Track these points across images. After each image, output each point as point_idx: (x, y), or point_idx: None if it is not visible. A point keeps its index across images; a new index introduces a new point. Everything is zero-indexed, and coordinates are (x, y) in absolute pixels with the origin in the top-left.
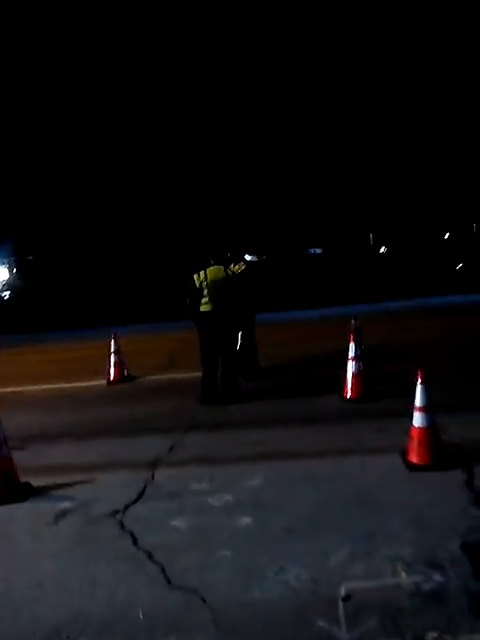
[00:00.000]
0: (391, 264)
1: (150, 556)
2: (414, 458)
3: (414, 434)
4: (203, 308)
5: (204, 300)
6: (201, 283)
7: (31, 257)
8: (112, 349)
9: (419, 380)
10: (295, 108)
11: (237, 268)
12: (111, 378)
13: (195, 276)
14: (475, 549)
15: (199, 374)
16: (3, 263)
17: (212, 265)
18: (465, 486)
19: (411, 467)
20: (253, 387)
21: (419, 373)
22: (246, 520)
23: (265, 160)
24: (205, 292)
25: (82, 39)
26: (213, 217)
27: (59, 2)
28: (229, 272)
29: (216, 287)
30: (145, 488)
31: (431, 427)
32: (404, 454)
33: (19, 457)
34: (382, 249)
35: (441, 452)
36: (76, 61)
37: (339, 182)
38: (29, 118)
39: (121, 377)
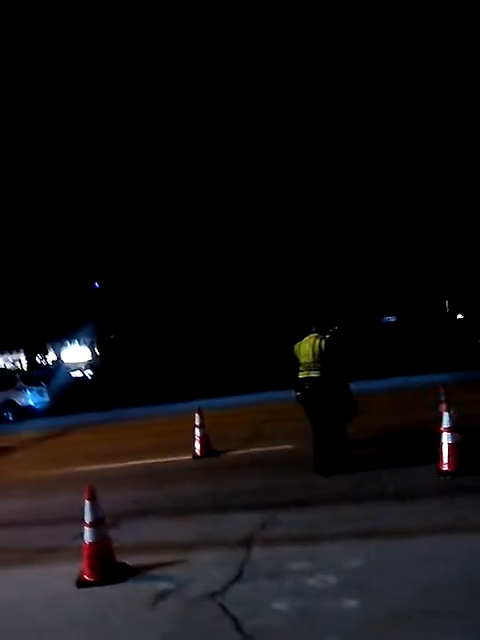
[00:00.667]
0: (468, 331)
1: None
2: None
3: None
4: (300, 376)
5: (300, 368)
6: (297, 352)
7: (112, 336)
8: (197, 423)
9: None
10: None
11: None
12: (197, 453)
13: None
14: None
15: (285, 447)
16: (86, 343)
17: (313, 332)
18: None
19: None
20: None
21: None
22: (352, 603)
23: (341, 231)
24: (301, 361)
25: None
26: (294, 287)
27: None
28: (323, 340)
29: (312, 356)
30: (242, 568)
31: None
32: None
33: (113, 535)
34: (459, 316)
35: None
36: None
37: (413, 247)
38: (112, 194)
39: (206, 451)
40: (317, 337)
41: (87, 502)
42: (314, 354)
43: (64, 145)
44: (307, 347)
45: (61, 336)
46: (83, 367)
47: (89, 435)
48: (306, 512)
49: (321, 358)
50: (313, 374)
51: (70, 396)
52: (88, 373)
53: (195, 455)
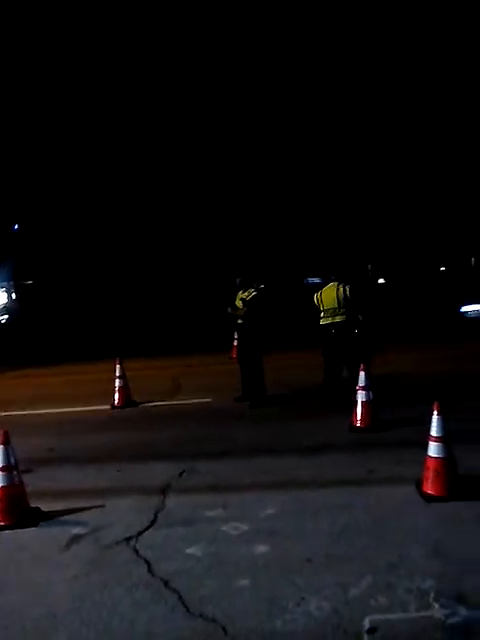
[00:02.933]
0: (390, 295)
1: (167, 584)
2: (430, 489)
3: (430, 465)
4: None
5: (323, 315)
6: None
7: (31, 282)
8: (117, 373)
9: (435, 411)
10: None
11: (247, 295)
12: (115, 403)
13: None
14: None
15: (205, 400)
16: (1, 287)
17: (333, 280)
18: None
19: (427, 498)
20: (260, 414)
21: (435, 404)
22: (263, 549)
23: (266, 187)
24: (325, 307)
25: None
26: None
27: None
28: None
29: (337, 302)
30: (157, 514)
31: (447, 458)
32: (419, 485)
33: (27, 481)
34: (380, 280)
35: (457, 484)
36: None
37: (339, 210)
38: (34, 132)
39: (126, 402)
40: (339, 285)
41: None
42: (339, 300)
43: None
44: (332, 294)
45: None
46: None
47: (7, 380)
48: (223, 462)
49: (345, 304)
50: (338, 319)
51: None
52: (3, 318)
53: (114, 405)
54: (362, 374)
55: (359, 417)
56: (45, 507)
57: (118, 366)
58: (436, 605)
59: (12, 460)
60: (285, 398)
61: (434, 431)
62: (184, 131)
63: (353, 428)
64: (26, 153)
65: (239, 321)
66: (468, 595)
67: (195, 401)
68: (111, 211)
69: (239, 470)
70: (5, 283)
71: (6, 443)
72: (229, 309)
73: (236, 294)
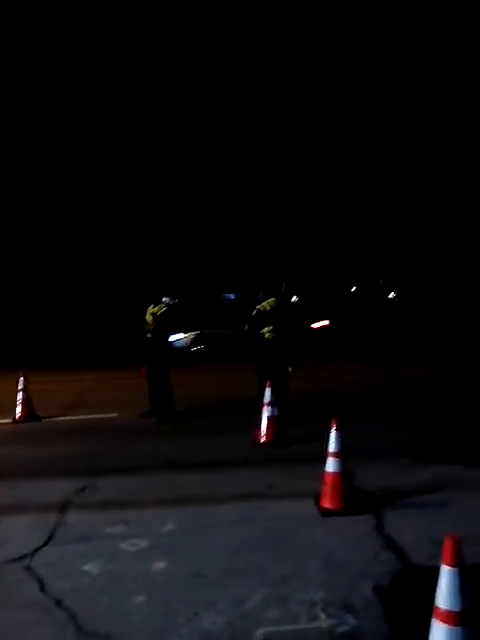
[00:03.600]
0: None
1: (59, 603)
2: (327, 503)
3: (327, 480)
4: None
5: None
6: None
7: None
8: (20, 386)
9: (334, 427)
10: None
11: (157, 310)
12: (17, 417)
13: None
14: (387, 592)
15: (109, 414)
16: None
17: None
18: (375, 531)
19: (324, 512)
20: (166, 429)
21: (333, 420)
22: (160, 565)
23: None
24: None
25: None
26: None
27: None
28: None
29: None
30: (54, 531)
31: (344, 473)
32: (317, 499)
33: None
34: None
35: (353, 498)
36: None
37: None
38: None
39: (28, 416)
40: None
41: None
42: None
43: None
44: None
45: None
46: None
47: None
48: (125, 478)
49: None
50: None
51: None
52: None
53: (15, 419)
54: (268, 390)
55: (263, 433)
56: None
57: (22, 379)
58: (324, 615)
59: None
60: (193, 414)
61: (331, 447)
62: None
63: (257, 444)
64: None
65: (148, 335)
66: (356, 605)
67: (101, 416)
68: (35, 219)
69: (140, 486)
70: None
71: None
72: (139, 323)
73: (146, 309)
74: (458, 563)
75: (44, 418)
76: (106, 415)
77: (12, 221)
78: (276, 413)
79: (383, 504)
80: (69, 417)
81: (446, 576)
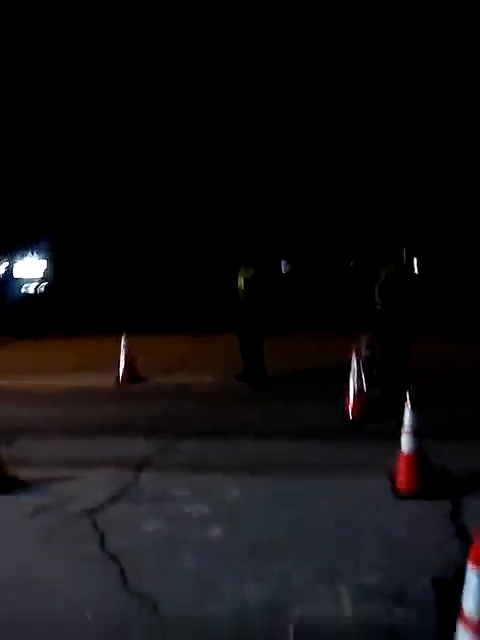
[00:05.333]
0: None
1: (113, 558)
2: (401, 484)
3: (401, 459)
4: None
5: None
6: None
7: (64, 255)
8: (122, 349)
9: (408, 402)
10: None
11: (247, 274)
12: (119, 378)
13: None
14: (444, 586)
15: (206, 378)
16: (40, 258)
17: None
18: (448, 517)
19: (397, 493)
20: (259, 395)
21: (409, 395)
22: (217, 532)
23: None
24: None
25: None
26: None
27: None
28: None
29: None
30: (125, 489)
31: (419, 452)
32: (392, 478)
33: (13, 449)
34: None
35: (429, 479)
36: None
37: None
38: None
39: (130, 377)
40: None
41: None
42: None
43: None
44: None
45: (12, 249)
46: (36, 282)
47: (31, 349)
48: (205, 442)
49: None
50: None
51: (20, 311)
52: (41, 289)
53: (118, 380)
54: (354, 361)
55: (351, 406)
56: (25, 475)
57: (123, 341)
58: (373, 603)
59: None
60: (289, 379)
61: (406, 423)
62: (203, 120)
63: (346, 415)
64: (61, 140)
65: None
66: (409, 596)
67: (197, 379)
68: (136, 195)
69: (220, 451)
70: (44, 254)
71: None
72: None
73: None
74: None
75: (145, 379)
76: (203, 378)
77: (115, 194)
78: (363, 386)
79: (463, 489)
80: (167, 379)
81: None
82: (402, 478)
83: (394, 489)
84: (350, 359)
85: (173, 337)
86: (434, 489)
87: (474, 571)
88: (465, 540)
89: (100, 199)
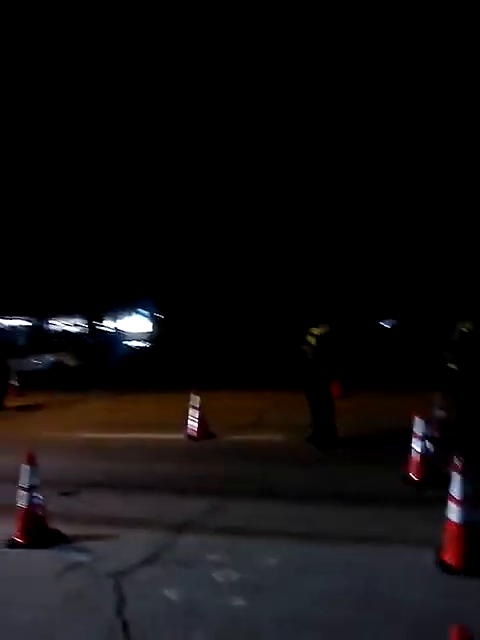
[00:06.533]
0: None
1: (125, 627)
2: (448, 557)
3: (448, 530)
4: None
5: None
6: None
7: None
8: (194, 405)
9: (457, 468)
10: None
11: (319, 331)
12: (189, 433)
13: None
14: None
15: (277, 437)
16: (145, 316)
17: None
18: None
19: (444, 567)
20: (324, 456)
21: (458, 460)
22: (239, 603)
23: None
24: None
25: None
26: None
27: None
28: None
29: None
30: (160, 551)
31: (468, 524)
32: (439, 552)
33: (65, 503)
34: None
35: (477, 554)
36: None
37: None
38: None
39: (203, 433)
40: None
41: (25, 466)
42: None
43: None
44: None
45: (118, 307)
46: (142, 338)
47: (118, 402)
48: (257, 504)
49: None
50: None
51: (127, 365)
52: (144, 344)
53: (188, 435)
54: (418, 420)
55: (413, 468)
56: (69, 531)
57: (196, 397)
58: None
59: (36, 481)
60: (360, 442)
61: (454, 492)
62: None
63: (406, 480)
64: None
65: (309, 357)
66: None
67: (268, 437)
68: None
69: (268, 514)
70: (148, 314)
71: (31, 463)
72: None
73: (308, 330)
74: None
75: (216, 436)
76: (274, 437)
77: (185, 249)
78: (429, 448)
79: None
80: (239, 437)
81: None
82: (450, 551)
83: (441, 564)
84: (420, 421)
85: (257, 393)
86: None
87: None
88: None
89: (199, 262)
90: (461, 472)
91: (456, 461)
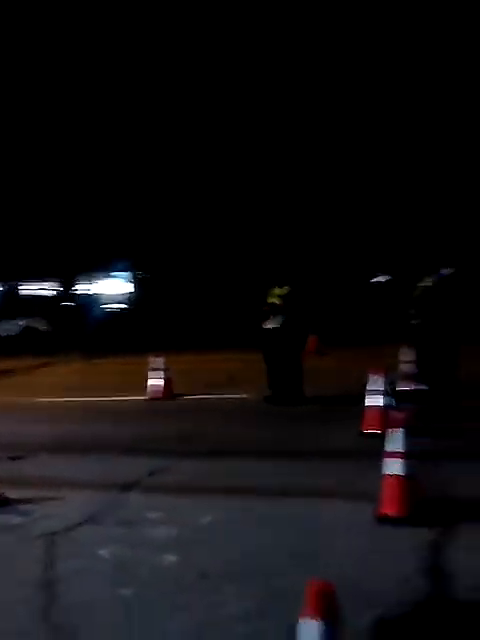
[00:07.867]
0: None
1: (49, 585)
2: (385, 508)
3: (386, 483)
4: None
5: None
6: None
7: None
8: (159, 366)
9: (400, 424)
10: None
11: (283, 291)
12: (151, 394)
13: None
14: (392, 627)
15: (241, 395)
16: (124, 278)
17: None
18: (427, 549)
19: (380, 518)
20: (288, 413)
21: (402, 415)
22: (170, 559)
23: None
24: None
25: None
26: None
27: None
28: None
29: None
30: (100, 511)
31: (407, 477)
32: (378, 503)
33: (14, 467)
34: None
35: (416, 507)
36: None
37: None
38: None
39: (169, 394)
40: None
41: None
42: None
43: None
44: None
45: (94, 269)
46: (120, 300)
47: (88, 365)
48: (205, 462)
49: None
50: None
51: (102, 328)
52: (122, 307)
53: (151, 397)
54: (375, 376)
55: (366, 422)
56: (17, 494)
57: (159, 359)
58: None
59: None
60: (325, 400)
61: (394, 446)
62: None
63: (360, 434)
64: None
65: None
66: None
67: (233, 396)
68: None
69: (215, 471)
70: (128, 275)
71: None
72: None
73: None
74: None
75: (180, 396)
76: (239, 396)
77: (161, 211)
78: (383, 402)
79: (455, 519)
80: (203, 396)
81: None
82: (387, 503)
83: (378, 515)
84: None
85: (228, 353)
86: (421, 518)
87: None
88: (435, 577)
89: (177, 222)
90: (404, 426)
91: (395, 414)
